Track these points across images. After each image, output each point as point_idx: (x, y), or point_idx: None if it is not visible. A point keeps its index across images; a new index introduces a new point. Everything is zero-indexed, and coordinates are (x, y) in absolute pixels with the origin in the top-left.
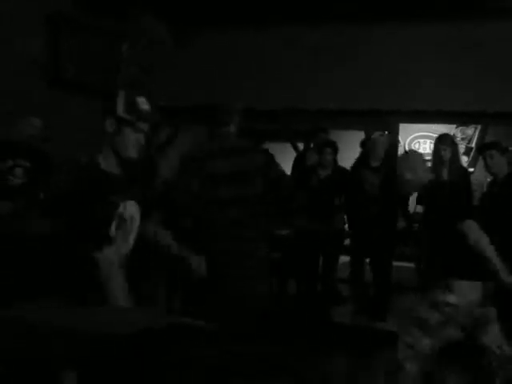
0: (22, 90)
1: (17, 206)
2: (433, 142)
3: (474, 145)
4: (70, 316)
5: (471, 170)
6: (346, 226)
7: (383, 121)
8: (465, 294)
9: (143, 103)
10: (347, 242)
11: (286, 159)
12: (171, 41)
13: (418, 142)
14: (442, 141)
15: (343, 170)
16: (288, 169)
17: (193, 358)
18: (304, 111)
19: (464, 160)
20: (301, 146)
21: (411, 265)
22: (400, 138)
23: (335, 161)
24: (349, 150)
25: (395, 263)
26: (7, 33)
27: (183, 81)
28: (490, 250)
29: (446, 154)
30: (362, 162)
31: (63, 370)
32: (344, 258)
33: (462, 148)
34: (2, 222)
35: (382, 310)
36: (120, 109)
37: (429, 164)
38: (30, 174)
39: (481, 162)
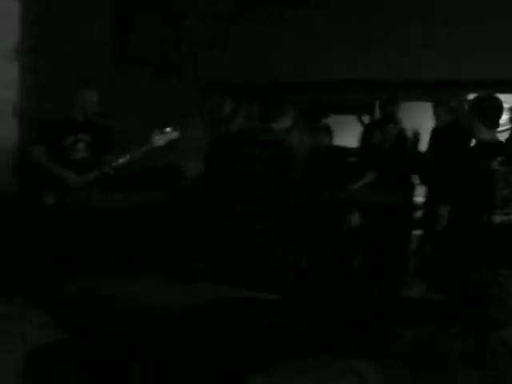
0: (88, 65)
1: (83, 180)
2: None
3: None
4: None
5: None
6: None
7: (451, 93)
8: None
9: None
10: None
11: (352, 132)
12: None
13: None
14: None
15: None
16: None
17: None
18: (368, 82)
19: None
20: (366, 119)
21: None
22: None
23: (401, 133)
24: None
25: None
26: (73, 12)
27: (240, 57)
28: None
29: None
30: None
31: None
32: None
33: None
34: (76, 194)
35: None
36: None
37: None
38: (91, 148)
39: None
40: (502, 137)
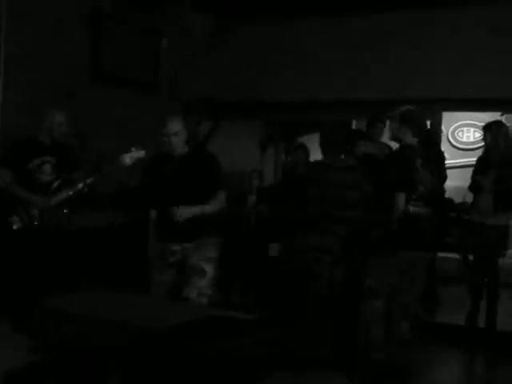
0: (64, 84)
1: (49, 202)
2: (477, 130)
3: None
4: (114, 307)
5: None
6: None
7: (427, 109)
8: None
9: None
10: None
11: None
12: (208, 35)
13: (462, 130)
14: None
15: None
16: None
17: (230, 347)
18: (349, 102)
19: None
20: None
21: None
22: (443, 127)
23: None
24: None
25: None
26: (50, 30)
27: (223, 75)
28: None
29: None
30: None
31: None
32: None
33: None
34: (43, 217)
35: None
36: None
37: None
38: (57, 169)
39: None
40: (476, 154)
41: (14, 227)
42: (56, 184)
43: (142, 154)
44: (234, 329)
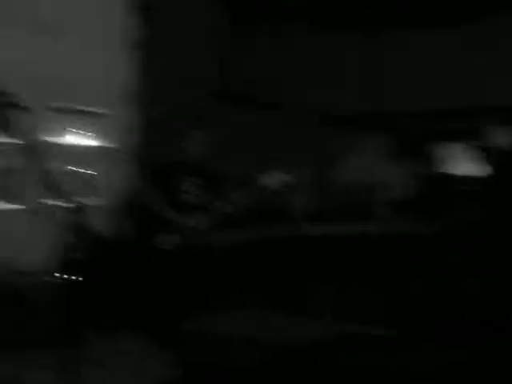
0: (191, 104)
1: (198, 222)
2: None
3: None
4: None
5: None
6: None
7: None
8: None
9: None
10: None
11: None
12: None
13: None
14: None
15: None
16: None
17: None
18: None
19: None
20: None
21: None
22: None
23: None
24: None
25: None
26: (176, 48)
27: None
28: None
29: None
30: None
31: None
32: None
33: None
34: (189, 237)
35: None
36: None
37: None
38: (203, 191)
39: None
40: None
41: (164, 247)
42: (203, 205)
43: (284, 176)
44: (372, 347)
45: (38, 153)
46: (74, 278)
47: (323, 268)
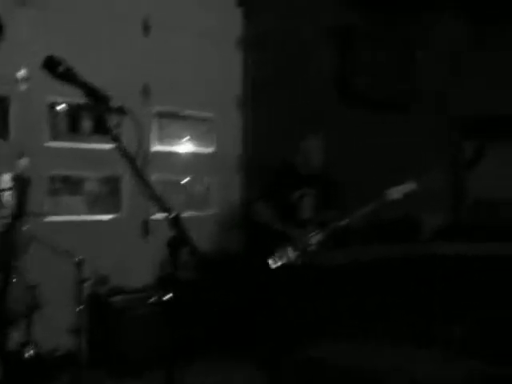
0: (312, 107)
1: (310, 240)
2: None
3: None
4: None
5: None
6: None
7: None
8: None
9: None
10: None
11: None
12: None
13: None
14: None
15: None
16: None
17: None
18: None
19: None
20: None
21: None
22: None
23: None
24: None
25: None
26: (296, 48)
27: (487, 87)
28: None
29: None
30: None
31: None
32: None
33: None
34: (303, 254)
35: None
36: None
37: None
38: (318, 203)
39: None
40: None
41: (273, 265)
42: (316, 221)
43: (412, 186)
44: None
45: (142, 161)
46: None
47: (456, 292)
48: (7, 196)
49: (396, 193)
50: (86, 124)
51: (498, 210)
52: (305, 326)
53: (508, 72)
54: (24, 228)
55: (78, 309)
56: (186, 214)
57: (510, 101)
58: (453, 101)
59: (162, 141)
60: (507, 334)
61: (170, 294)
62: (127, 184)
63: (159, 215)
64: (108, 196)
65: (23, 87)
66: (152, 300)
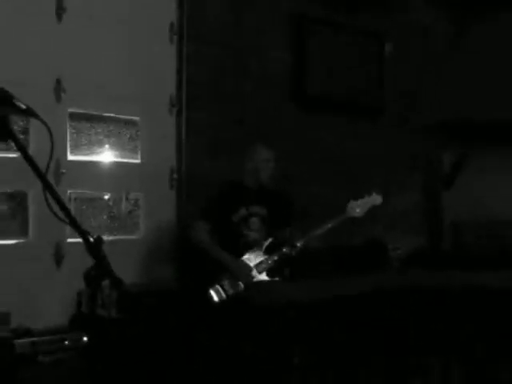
0: (263, 110)
1: (255, 270)
2: None
3: None
4: None
5: None
6: None
7: None
8: None
9: None
10: None
11: None
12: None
13: None
14: None
15: None
16: None
17: None
18: None
19: None
20: None
21: None
22: None
23: None
24: None
25: None
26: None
27: (473, 86)
28: None
29: None
30: None
31: None
32: None
33: None
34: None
35: None
36: None
37: None
38: (268, 224)
39: None
40: None
41: (216, 299)
42: (266, 244)
43: (378, 200)
44: None
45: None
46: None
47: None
48: None
49: (358, 208)
50: None
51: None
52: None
53: (490, 74)
54: None
55: None
56: (108, 238)
57: (495, 105)
58: (427, 104)
59: (78, 149)
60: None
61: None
62: (36, 201)
63: (75, 240)
64: (12, 216)
65: None
66: (66, 344)
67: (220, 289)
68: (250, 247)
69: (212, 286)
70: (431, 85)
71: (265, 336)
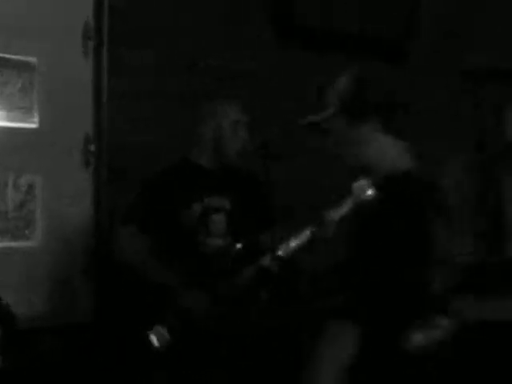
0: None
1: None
2: None
3: None
4: None
5: None
6: None
7: None
8: None
9: None
10: None
11: None
12: None
13: None
14: None
15: None
16: None
17: None
18: None
19: None
20: None
21: None
22: None
23: None
24: None
25: None
26: None
27: None
28: None
29: None
30: None
31: None
32: None
33: None
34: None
35: None
36: None
37: None
38: (234, 223)
39: None
40: None
41: (155, 343)
42: (233, 253)
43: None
44: None
45: None
46: None
47: None
48: None
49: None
50: None
51: None
52: None
53: None
54: None
55: None
56: None
57: None
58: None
59: None
60: None
61: None
62: None
63: None
64: None
65: None
66: None
67: (163, 330)
68: (207, 261)
69: (151, 326)
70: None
71: None
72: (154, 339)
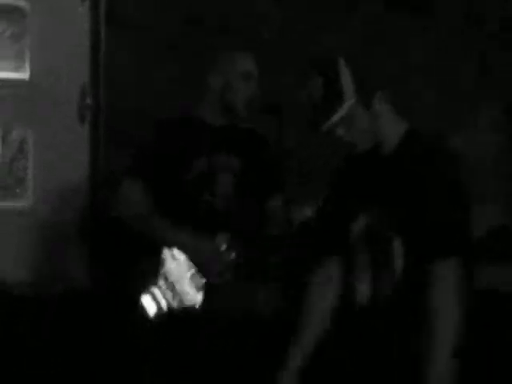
0: None
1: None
2: None
3: None
4: None
5: None
6: None
7: None
8: None
9: None
10: None
11: None
12: None
13: None
14: None
15: None
16: None
17: None
18: None
19: None
20: None
21: None
22: None
23: None
24: None
25: None
26: None
27: None
28: None
29: None
30: None
31: None
32: None
33: None
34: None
35: None
36: None
37: None
38: (243, 184)
39: None
40: None
41: (150, 313)
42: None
43: None
44: None
45: None
46: None
47: None
48: None
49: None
50: None
51: None
52: None
53: None
54: None
55: None
56: None
57: None
58: None
59: None
60: None
61: None
62: None
63: None
64: None
65: None
66: None
67: (160, 293)
68: (216, 224)
69: (146, 288)
70: None
71: None
72: (147, 305)
